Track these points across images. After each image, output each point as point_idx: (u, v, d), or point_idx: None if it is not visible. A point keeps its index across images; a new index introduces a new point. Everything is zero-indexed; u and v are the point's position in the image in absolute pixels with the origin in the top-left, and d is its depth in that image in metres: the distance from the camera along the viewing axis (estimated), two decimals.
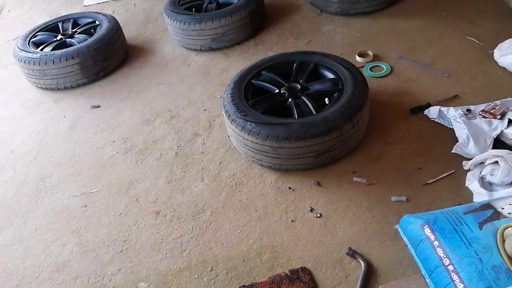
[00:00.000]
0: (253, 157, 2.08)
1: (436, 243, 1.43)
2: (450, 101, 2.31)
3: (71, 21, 3.41)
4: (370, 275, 1.59)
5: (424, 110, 2.24)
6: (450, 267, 1.36)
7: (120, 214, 2.06)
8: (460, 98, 2.32)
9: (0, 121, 2.93)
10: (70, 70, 2.98)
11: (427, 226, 1.49)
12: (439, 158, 2.00)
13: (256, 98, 2.16)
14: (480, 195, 1.74)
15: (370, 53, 2.78)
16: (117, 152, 2.44)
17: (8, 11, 4.71)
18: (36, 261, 1.91)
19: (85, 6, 4.40)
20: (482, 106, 2.13)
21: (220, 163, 2.23)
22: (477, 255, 1.35)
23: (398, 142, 2.14)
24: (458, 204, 1.70)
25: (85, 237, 1.98)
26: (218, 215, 1.95)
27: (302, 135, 1.88)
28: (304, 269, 1.65)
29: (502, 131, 1.96)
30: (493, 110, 2.07)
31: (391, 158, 2.06)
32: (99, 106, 2.62)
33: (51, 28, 3.38)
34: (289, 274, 1.64)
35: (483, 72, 2.48)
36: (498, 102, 2.14)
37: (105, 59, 3.09)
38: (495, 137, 1.96)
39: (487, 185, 1.79)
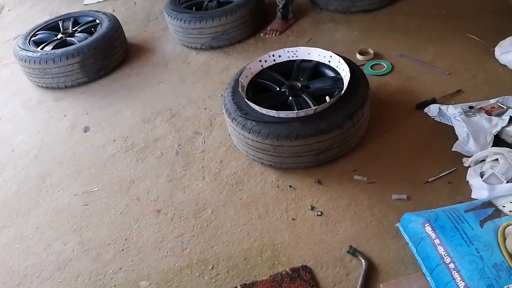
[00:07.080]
0: (253, 156, 2.08)
1: (437, 241, 1.43)
2: (454, 96, 2.32)
3: (72, 20, 3.41)
4: (371, 273, 1.59)
5: (430, 105, 2.24)
6: (451, 265, 1.36)
7: (121, 213, 2.06)
8: (463, 94, 2.32)
9: (0, 120, 2.93)
10: (70, 69, 2.98)
11: (428, 224, 1.49)
12: (440, 156, 2.00)
13: (257, 96, 2.16)
14: (481, 190, 1.74)
15: (371, 51, 2.77)
16: (118, 151, 2.44)
17: (9, 10, 4.71)
18: (37, 260, 1.91)
19: (85, 4, 4.40)
20: (483, 104, 2.13)
21: (220, 161, 2.23)
22: (478, 253, 1.35)
23: (398, 140, 2.14)
24: (459, 202, 1.70)
25: (86, 235, 1.98)
26: (219, 214, 1.95)
27: (302, 134, 1.88)
28: (305, 267, 1.65)
29: (502, 129, 1.96)
30: (491, 109, 2.06)
31: (391, 156, 2.06)
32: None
33: (52, 27, 3.38)
34: (290, 272, 1.64)
35: (484, 70, 2.48)
36: (499, 99, 2.14)
37: (106, 58, 3.09)
38: (495, 134, 1.95)
39: (487, 182, 1.79)
